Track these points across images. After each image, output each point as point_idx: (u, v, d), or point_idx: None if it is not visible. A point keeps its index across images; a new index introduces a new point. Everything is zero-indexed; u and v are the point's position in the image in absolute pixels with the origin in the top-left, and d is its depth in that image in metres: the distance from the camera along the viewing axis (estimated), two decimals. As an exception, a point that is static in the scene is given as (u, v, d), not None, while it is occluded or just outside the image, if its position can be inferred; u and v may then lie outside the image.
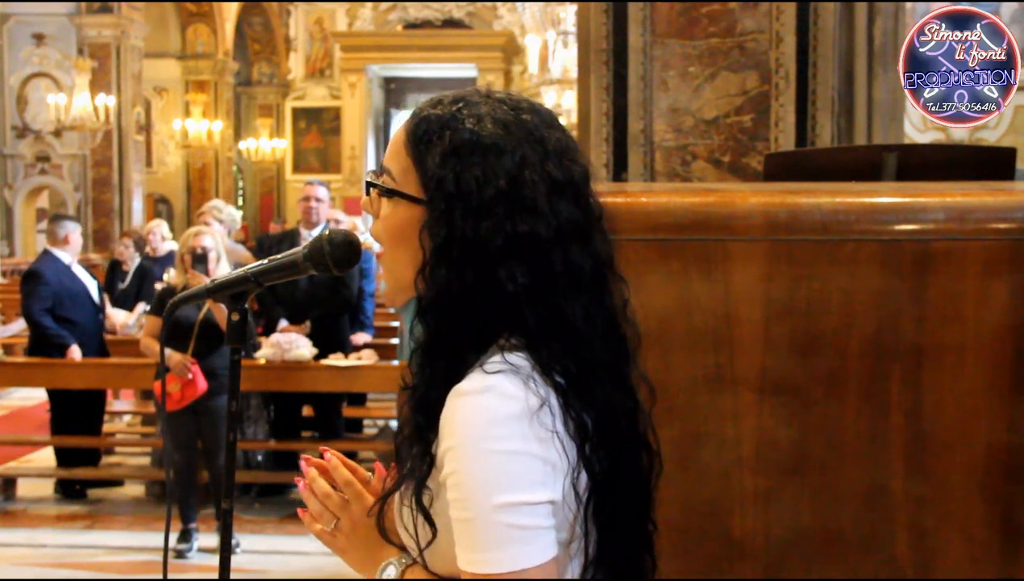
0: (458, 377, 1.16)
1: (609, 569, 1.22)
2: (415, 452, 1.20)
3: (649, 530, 1.27)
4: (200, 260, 5.20)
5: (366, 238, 1.32)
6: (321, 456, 1.35)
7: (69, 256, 6.65)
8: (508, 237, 1.16)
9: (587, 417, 1.17)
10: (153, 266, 7.58)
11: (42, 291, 6.41)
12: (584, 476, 1.17)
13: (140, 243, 8.06)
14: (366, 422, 7.53)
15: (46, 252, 6.76)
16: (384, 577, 1.25)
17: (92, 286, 6.74)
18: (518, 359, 1.16)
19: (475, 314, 1.17)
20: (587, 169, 1.24)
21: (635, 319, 1.26)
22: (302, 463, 1.34)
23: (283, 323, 6.22)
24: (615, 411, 1.21)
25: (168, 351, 5.16)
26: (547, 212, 1.18)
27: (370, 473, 1.35)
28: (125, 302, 7.75)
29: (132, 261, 7.87)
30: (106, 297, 7.35)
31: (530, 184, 1.18)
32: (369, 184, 1.27)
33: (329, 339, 6.19)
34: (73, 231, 6.72)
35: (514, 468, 1.11)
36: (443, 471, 1.14)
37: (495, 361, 1.15)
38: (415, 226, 1.21)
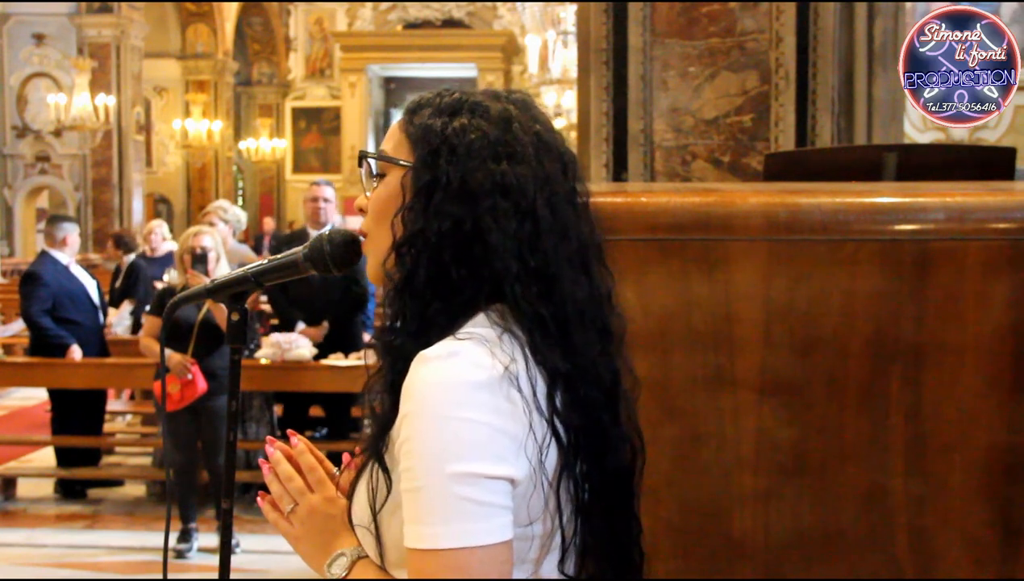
0: (427, 325, 1.13)
1: (597, 560, 1.18)
2: (379, 401, 1.17)
3: (634, 525, 1.24)
4: (200, 260, 5.19)
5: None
6: (288, 442, 1.31)
7: (67, 257, 6.66)
8: (495, 183, 1.15)
9: (558, 366, 1.13)
10: (148, 265, 7.58)
11: (41, 292, 6.41)
12: (553, 453, 1.12)
13: (123, 241, 8.05)
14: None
15: (44, 253, 6.77)
16: (333, 571, 1.20)
17: (91, 286, 6.74)
18: (487, 330, 1.13)
19: (449, 261, 1.14)
20: (574, 155, 1.24)
21: (621, 310, 1.24)
22: (267, 447, 1.30)
23: (300, 326, 6.17)
24: (591, 367, 1.17)
25: (168, 351, 5.17)
26: (533, 163, 1.18)
27: (336, 469, 1.31)
28: (116, 300, 7.74)
29: (124, 260, 7.87)
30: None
31: (518, 135, 1.18)
32: (362, 154, 1.27)
33: (343, 339, 6.14)
34: (71, 232, 6.73)
35: (473, 437, 1.06)
36: (398, 440, 1.10)
37: (465, 330, 1.13)
38: (402, 193, 1.20)
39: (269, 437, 1.33)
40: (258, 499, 1.30)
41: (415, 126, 1.21)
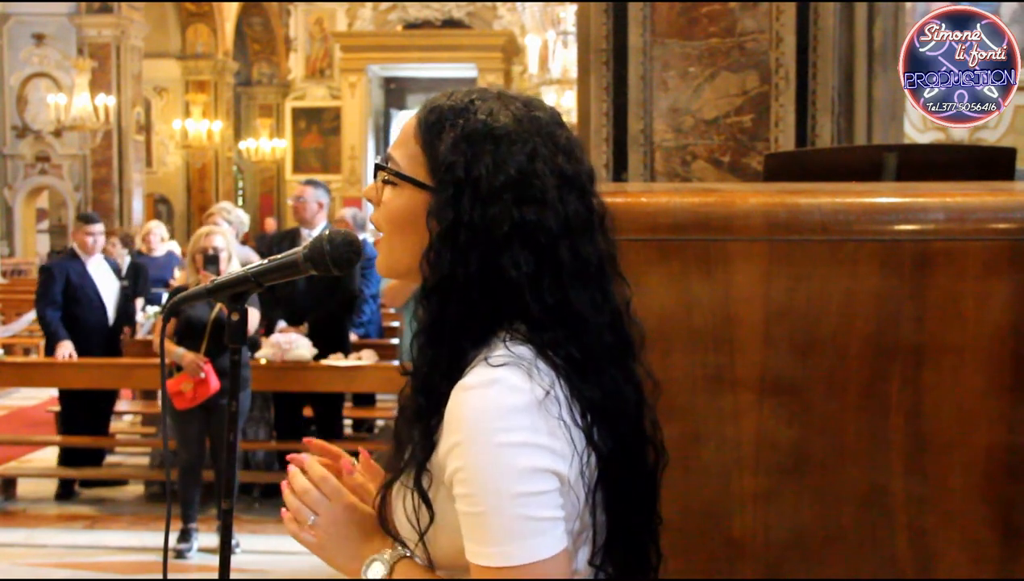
0: (459, 362, 1.17)
1: (615, 558, 1.23)
2: (416, 436, 1.20)
3: (655, 522, 1.28)
4: (212, 261, 5.20)
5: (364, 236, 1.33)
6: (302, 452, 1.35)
7: (87, 255, 6.71)
8: (515, 224, 1.17)
9: (593, 398, 1.18)
10: (148, 265, 7.57)
11: (51, 287, 6.48)
12: (591, 462, 1.17)
13: (127, 241, 8.05)
14: (380, 423, 7.50)
15: (70, 249, 6.89)
16: (370, 575, 1.24)
17: (111, 287, 6.73)
18: (521, 349, 1.17)
19: (478, 299, 1.18)
20: (592, 169, 1.26)
21: (638, 318, 1.27)
22: (290, 468, 1.33)
23: (281, 324, 6.23)
24: (620, 395, 1.21)
25: (182, 350, 5.21)
26: (555, 203, 1.19)
27: (354, 459, 1.36)
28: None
29: (123, 260, 7.87)
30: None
31: (540, 175, 1.19)
32: (378, 166, 1.28)
33: (330, 339, 6.18)
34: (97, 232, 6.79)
35: (525, 460, 1.12)
36: (448, 467, 1.15)
37: (499, 354, 1.16)
38: (417, 213, 1.22)
39: (289, 456, 1.35)
40: (283, 511, 1.33)
41: (434, 149, 1.22)
